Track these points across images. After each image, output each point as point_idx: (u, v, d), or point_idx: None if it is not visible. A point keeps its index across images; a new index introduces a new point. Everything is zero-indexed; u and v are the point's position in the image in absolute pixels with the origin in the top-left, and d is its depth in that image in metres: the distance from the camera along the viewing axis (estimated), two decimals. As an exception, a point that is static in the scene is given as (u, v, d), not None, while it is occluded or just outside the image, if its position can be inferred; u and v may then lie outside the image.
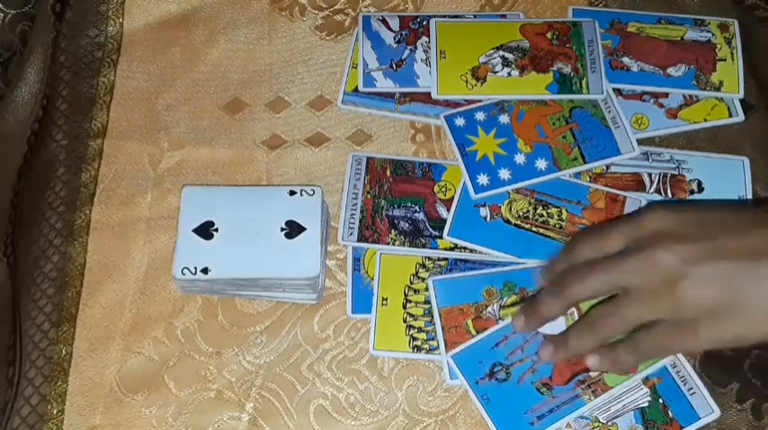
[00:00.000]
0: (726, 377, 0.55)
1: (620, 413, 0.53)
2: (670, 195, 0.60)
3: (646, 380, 0.54)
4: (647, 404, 0.54)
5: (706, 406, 0.53)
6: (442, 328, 0.55)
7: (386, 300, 0.57)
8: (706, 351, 0.55)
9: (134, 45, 0.66)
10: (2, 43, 0.67)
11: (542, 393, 0.53)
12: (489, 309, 0.56)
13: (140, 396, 0.56)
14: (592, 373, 0.53)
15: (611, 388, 0.53)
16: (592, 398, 0.53)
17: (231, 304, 0.58)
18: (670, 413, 0.53)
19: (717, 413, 0.53)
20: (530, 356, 0.54)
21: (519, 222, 0.58)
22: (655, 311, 0.49)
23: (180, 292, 0.58)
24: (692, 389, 0.54)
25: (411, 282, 0.58)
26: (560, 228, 0.58)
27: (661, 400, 0.54)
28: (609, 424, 0.53)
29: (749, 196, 0.60)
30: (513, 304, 0.56)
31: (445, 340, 0.55)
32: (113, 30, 0.67)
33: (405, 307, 0.57)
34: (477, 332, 0.55)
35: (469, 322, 0.56)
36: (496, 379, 0.54)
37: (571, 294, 0.51)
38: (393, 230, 0.59)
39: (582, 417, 0.53)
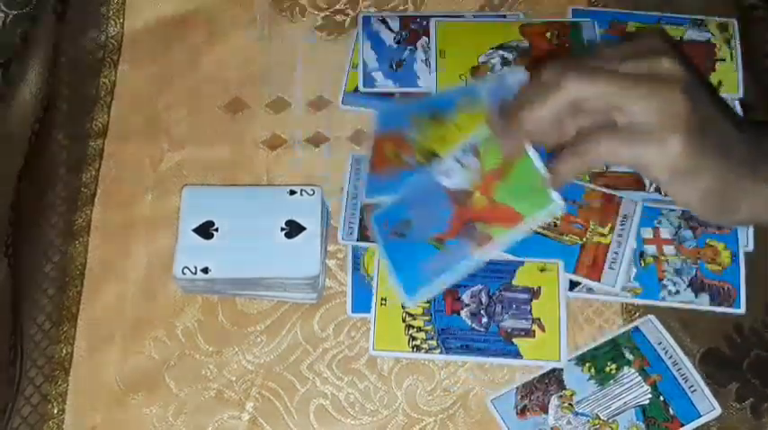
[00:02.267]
0: (725, 377, 0.55)
1: (620, 410, 0.53)
2: (670, 194, 0.60)
3: (647, 378, 0.54)
4: (647, 401, 0.54)
5: (707, 403, 0.53)
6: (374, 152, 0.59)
7: (385, 299, 0.57)
8: (704, 351, 0.56)
9: (135, 45, 0.67)
10: (3, 44, 0.67)
11: (436, 247, 0.53)
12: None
13: (141, 395, 0.56)
14: (478, 226, 0.52)
15: (497, 240, 0.51)
16: (477, 250, 0.52)
17: (231, 304, 0.58)
18: (671, 410, 0.53)
19: (718, 411, 0.53)
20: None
21: None
22: (638, 100, 0.45)
23: (180, 292, 0.58)
24: (693, 386, 0.54)
25: None
26: (555, 226, 0.58)
27: (662, 398, 0.54)
28: (610, 421, 0.53)
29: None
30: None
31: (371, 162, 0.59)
32: (114, 30, 0.67)
33: (404, 306, 0.57)
34: (396, 156, 0.57)
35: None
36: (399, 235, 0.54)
37: (569, 88, 0.46)
38: (393, 230, 0.59)
39: (582, 414, 0.54)
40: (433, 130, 0.57)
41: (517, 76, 0.53)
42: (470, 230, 0.52)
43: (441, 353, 0.56)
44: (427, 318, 0.56)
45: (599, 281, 0.56)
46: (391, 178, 0.57)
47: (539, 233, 0.58)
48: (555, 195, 0.50)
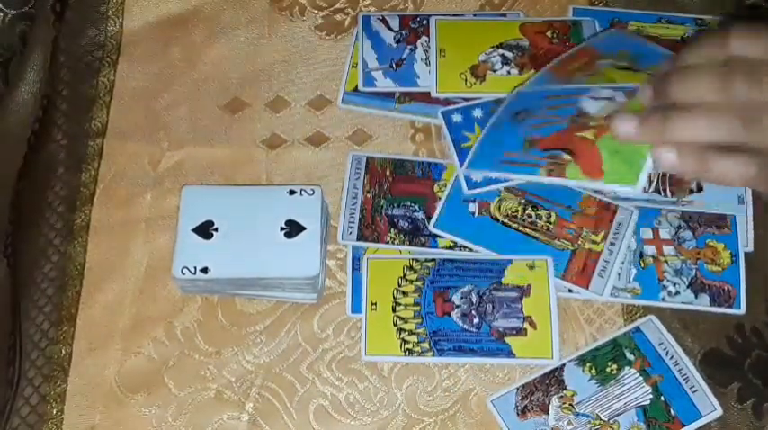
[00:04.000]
0: (726, 377, 0.55)
1: (621, 411, 0.53)
2: (669, 194, 0.59)
3: (648, 378, 0.54)
4: (648, 402, 0.54)
5: (708, 404, 0.53)
6: None
7: (375, 304, 0.57)
8: (706, 351, 0.56)
9: (134, 45, 0.67)
10: (2, 43, 0.67)
11: (525, 147, 0.54)
12: None
13: (140, 396, 0.56)
14: (565, 156, 0.51)
15: (567, 179, 0.51)
16: (543, 174, 0.52)
17: (231, 304, 0.58)
18: (672, 411, 0.53)
19: (719, 411, 0.53)
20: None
21: (506, 221, 0.58)
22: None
23: (180, 292, 0.58)
24: (694, 387, 0.54)
25: (399, 285, 0.57)
26: (548, 230, 0.58)
27: (663, 398, 0.54)
28: (610, 422, 0.53)
29: (749, 196, 0.59)
30: None
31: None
32: (113, 29, 0.67)
33: (394, 310, 0.57)
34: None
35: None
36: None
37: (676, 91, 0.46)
38: (393, 229, 0.59)
39: (582, 415, 0.54)
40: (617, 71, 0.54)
41: None
42: (557, 154, 0.51)
43: (433, 355, 0.55)
44: (418, 320, 0.56)
45: (587, 288, 0.56)
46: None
47: (529, 235, 0.58)
48: (643, 179, 0.48)
